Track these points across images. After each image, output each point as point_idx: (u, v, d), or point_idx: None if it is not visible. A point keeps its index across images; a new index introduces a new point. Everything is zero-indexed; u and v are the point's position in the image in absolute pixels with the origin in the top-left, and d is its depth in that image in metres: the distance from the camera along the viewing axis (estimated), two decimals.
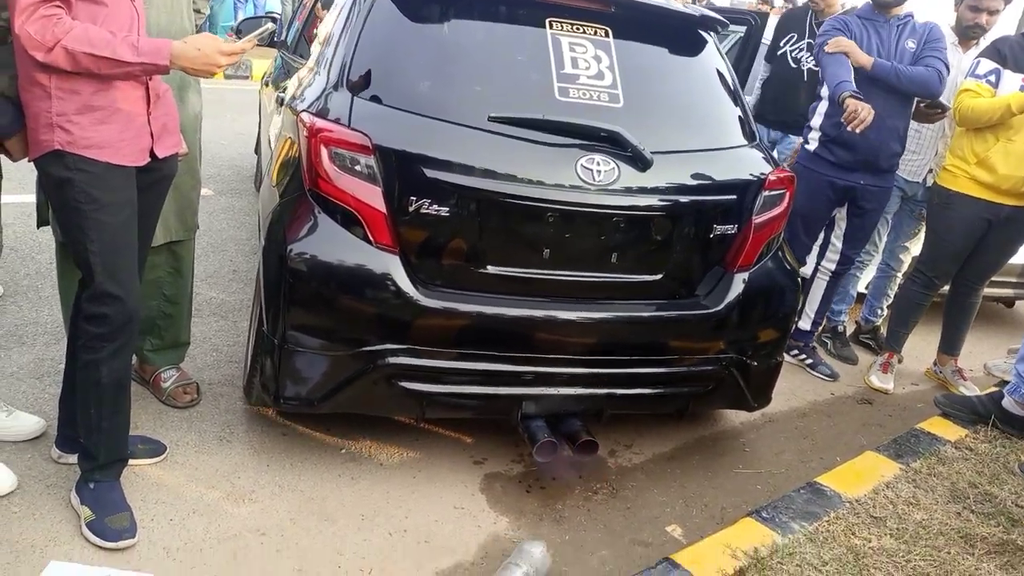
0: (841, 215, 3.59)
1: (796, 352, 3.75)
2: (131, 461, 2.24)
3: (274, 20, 3.96)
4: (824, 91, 3.43)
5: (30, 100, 1.90)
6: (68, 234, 2.03)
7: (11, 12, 1.80)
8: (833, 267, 3.67)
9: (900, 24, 3.36)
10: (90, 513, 2.06)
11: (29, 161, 2.01)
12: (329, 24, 2.93)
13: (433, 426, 2.73)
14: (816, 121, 3.47)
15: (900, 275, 3.96)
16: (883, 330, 4.10)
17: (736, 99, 2.73)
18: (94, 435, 2.08)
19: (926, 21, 3.43)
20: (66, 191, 1.93)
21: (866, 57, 3.28)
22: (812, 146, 3.48)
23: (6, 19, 1.93)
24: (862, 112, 3.05)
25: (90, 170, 1.92)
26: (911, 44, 3.35)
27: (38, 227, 2.48)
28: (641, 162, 2.36)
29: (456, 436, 2.73)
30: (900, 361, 3.80)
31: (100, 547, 2.02)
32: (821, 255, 3.71)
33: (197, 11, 2.65)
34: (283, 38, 4.56)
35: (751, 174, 2.57)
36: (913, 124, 3.58)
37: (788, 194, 2.64)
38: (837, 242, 3.64)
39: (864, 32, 3.36)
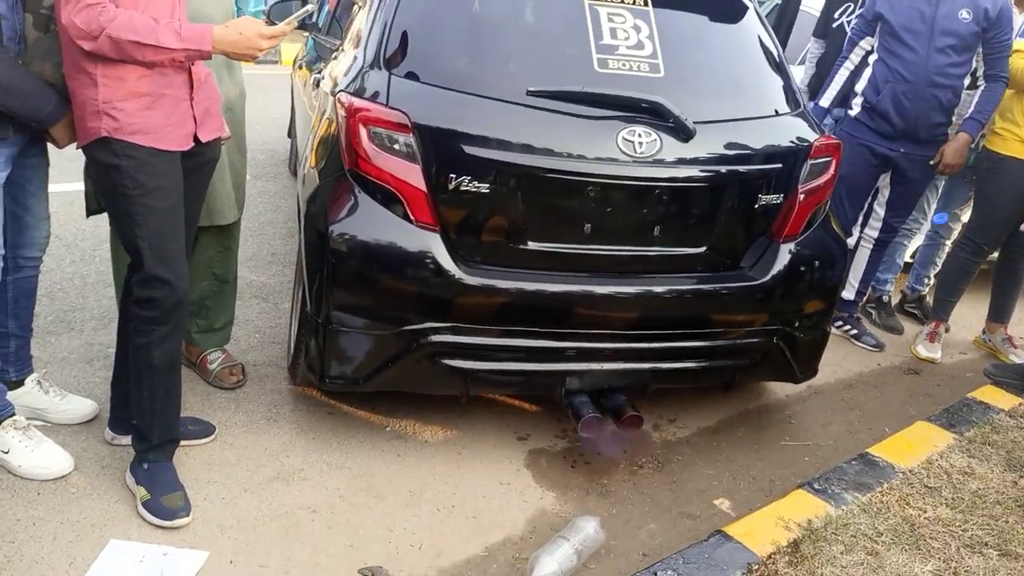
0: (885, 183, 3.50)
1: (840, 323, 3.69)
2: (183, 442, 2.27)
3: (307, 1, 3.96)
4: (872, 57, 3.35)
5: (77, 88, 1.92)
6: (116, 220, 2.05)
7: (57, 3, 1.82)
8: (876, 235, 3.59)
9: None
10: (145, 492, 2.10)
11: (77, 148, 2.04)
12: (363, 3, 2.91)
13: (476, 403, 2.73)
14: (860, 86, 3.39)
15: (949, 243, 3.87)
16: (929, 299, 4.02)
17: (779, 66, 2.67)
18: (147, 416, 2.11)
19: None
20: (113, 177, 1.95)
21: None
22: (855, 111, 3.41)
23: (49, 7, 1.96)
24: None
25: (136, 156, 1.93)
26: (966, 15, 3.18)
27: (87, 216, 2.51)
28: (683, 132, 2.31)
29: (499, 413, 2.73)
30: (947, 330, 3.72)
31: (156, 525, 2.06)
32: (864, 224, 3.63)
33: None
34: (314, 20, 4.55)
35: (796, 142, 2.51)
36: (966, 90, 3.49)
37: (834, 161, 2.58)
38: (880, 210, 3.56)
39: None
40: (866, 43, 3.40)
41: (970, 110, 3.34)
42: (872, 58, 3.37)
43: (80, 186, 2.32)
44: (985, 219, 3.45)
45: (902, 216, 3.59)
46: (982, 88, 3.34)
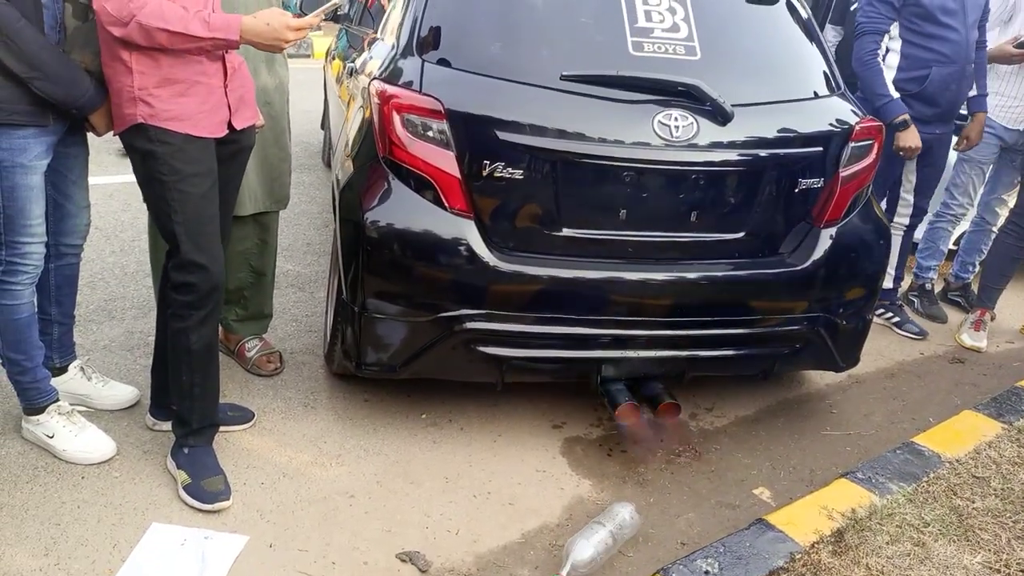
0: (910, 167, 3.40)
1: (882, 311, 3.61)
2: (222, 428, 2.30)
3: None
4: (896, 44, 3.24)
5: (112, 75, 1.95)
6: (153, 206, 2.08)
7: None
8: (907, 221, 3.50)
9: None
10: (186, 477, 2.13)
11: (114, 135, 2.06)
12: None
13: (511, 390, 2.72)
14: (888, 76, 3.25)
15: (995, 229, 3.76)
16: (974, 287, 3.91)
17: (818, 48, 2.60)
18: (187, 401, 2.14)
19: None
20: (149, 163, 1.98)
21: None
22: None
23: None
24: (913, 147, 3.16)
25: (171, 142, 1.95)
26: None
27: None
28: (721, 116, 2.27)
29: (534, 400, 2.72)
30: (993, 318, 3.62)
31: (197, 509, 2.09)
32: (891, 211, 3.51)
33: None
34: (346, 11, 4.56)
35: (837, 124, 2.45)
36: (1015, 69, 3.40)
37: (877, 144, 2.51)
38: (908, 196, 3.46)
39: None
40: (893, 29, 3.24)
41: (975, 87, 3.32)
42: (895, 44, 3.24)
43: (119, 178, 2.35)
44: None
45: (930, 196, 3.51)
46: (977, 59, 3.31)
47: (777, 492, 2.38)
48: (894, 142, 3.20)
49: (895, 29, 3.24)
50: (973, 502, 2.20)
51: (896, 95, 3.18)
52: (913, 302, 3.86)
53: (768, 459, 2.55)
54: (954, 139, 3.52)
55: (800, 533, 2.04)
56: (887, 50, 3.29)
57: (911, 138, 3.17)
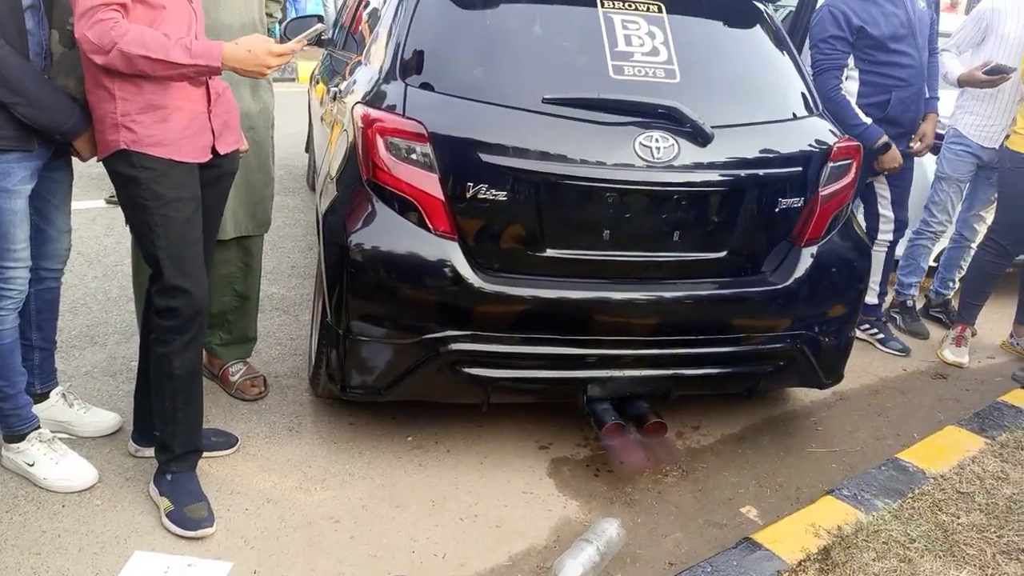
0: (882, 184, 3.46)
1: (866, 327, 3.64)
2: (205, 453, 2.28)
3: (321, 19, 3.99)
4: (853, 72, 3.32)
5: (96, 102, 1.95)
6: (136, 230, 2.07)
7: (74, 18, 1.84)
8: (891, 237, 3.55)
9: None
10: (169, 504, 2.11)
11: (98, 161, 2.06)
12: (378, 15, 2.94)
13: (497, 411, 2.72)
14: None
15: (974, 246, 3.81)
16: (955, 303, 3.95)
17: (796, 70, 2.65)
18: (169, 427, 2.12)
19: None
20: (132, 189, 1.98)
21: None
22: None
23: (72, 23, 1.99)
24: (897, 166, 3.27)
25: (154, 167, 1.96)
26: (923, 4, 3.33)
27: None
28: (701, 137, 2.30)
29: (520, 421, 2.71)
30: (974, 334, 3.65)
31: (180, 536, 2.06)
32: (873, 229, 3.53)
33: (269, 15, 2.68)
34: (330, 36, 4.59)
35: (815, 145, 2.49)
36: (989, 91, 3.48)
37: (855, 164, 2.55)
38: (888, 212, 3.51)
39: (875, 6, 3.22)
40: (847, 61, 3.31)
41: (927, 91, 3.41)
42: (852, 73, 3.31)
43: (101, 203, 2.34)
44: (1010, 219, 3.40)
45: (906, 208, 3.56)
46: (929, 66, 3.42)
47: (764, 510, 2.38)
48: (876, 164, 3.27)
49: (850, 60, 3.31)
50: (958, 517, 2.21)
51: (869, 120, 3.23)
52: (895, 319, 3.90)
53: (754, 477, 2.56)
54: (969, 162, 3.63)
55: (787, 551, 2.04)
56: (846, 77, 3.34)
57: (895, 159, 3.26)
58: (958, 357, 3.53)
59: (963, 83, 3.53)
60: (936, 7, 3.46)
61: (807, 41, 4.10)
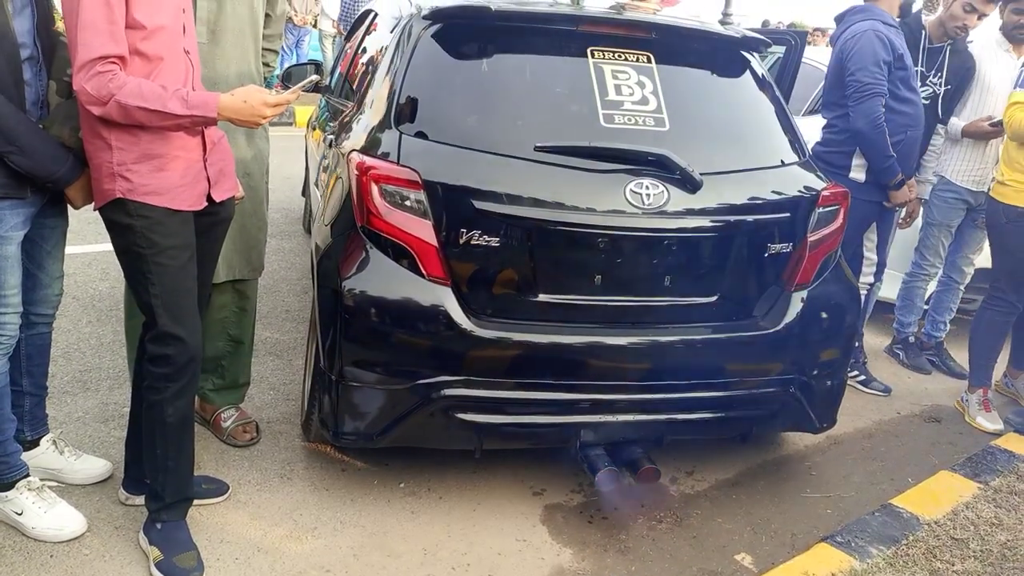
0: (871, 228, 3.50)
1: (847, 370, 3.64)
2: (196, 501, 2.26)
3: (318, 66, 4.06)
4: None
5: (93, 152, 1.97)
6: (130, 278, 2.08)
7: (72, 70, 1.88)
8: (872, 279, 3.57)
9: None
10: (159, 553, 2.08)
11: (94, 210, 2.08)
12: (373, 64, 2.99)
13: (490, 457, 2.70)
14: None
15: (962, 287, 3.85)
16: (947, 346, 3.98)
17: (784, 117, 2.70)
18: (160, 475, 2.11)
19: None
20: (127, 237, 1.99)
21: None
22: (860, 175, 3.33)
23: (70, 75, 2.03)
24: (910, 199, 3.35)
25: (150, 216, 1.97)
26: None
27: None
28: (690, 184, 2.34)
29: (513, 466, 2.70)
30: (992, 388, 3.55)
31: None
32: (855, 271, 3.53)
33: (266, 65, 2.73)
34: (327, 83, 4.67)
35: (803, 191, 2.53)
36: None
37: (843, 210, 2.59)
38: (872, 255, 3.54)
39: (900, 39, 3.29)
40: None
41: None
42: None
43: (97, 247, 2.36)
44: (1015, 275, 3.28)
45: (886, 250, 3.61)
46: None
47: (759, 557, 2.37)
48: (891, 199, 3.32)
49: None
50: (952, 565, 2.20)
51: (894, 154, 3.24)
52: (898, 355, 3.93)
53: (749, 523, 2.54)
54: (958, 206, 3.68)
55: None
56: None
57: (906, 194, 3.31)
58: (994, 424, 3.33)
59: (967, 134, 3.58)
60: None
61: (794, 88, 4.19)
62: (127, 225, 1.97)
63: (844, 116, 3.32)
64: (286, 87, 3.49)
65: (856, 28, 3.29)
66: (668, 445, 2.58)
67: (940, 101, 3.56)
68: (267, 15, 2.61)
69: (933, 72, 3.55)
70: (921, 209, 3.78)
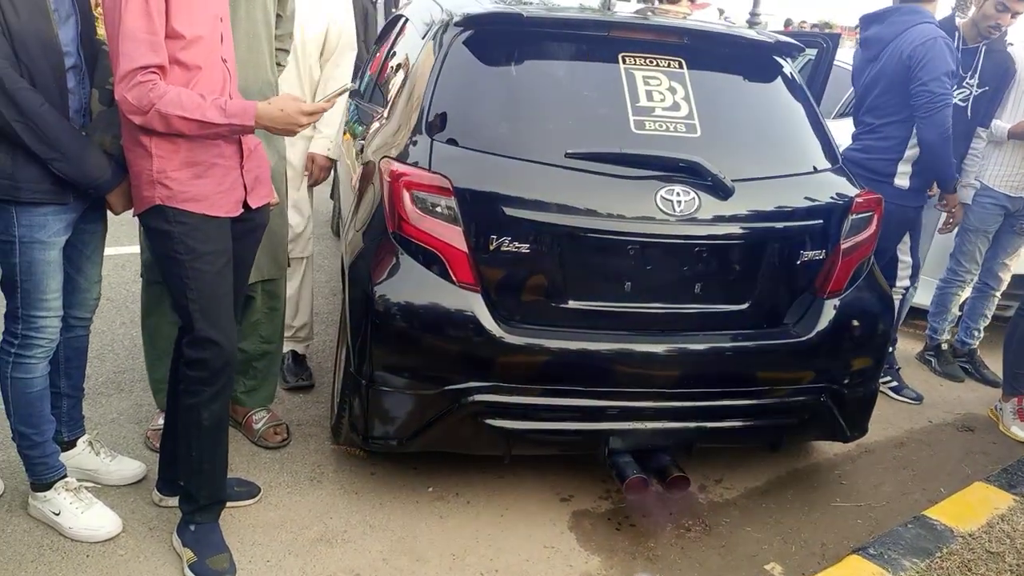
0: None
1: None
2: (228, 503, 2.29)
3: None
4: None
5: (133, 159, 2.01)
6: (169, 283, 2.11)
7: (114, 80, 1.91)
8: (907, 283, 3.53)
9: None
10: (192, 555, 2.11)
11: (134, 216, 2.12)
12: (404, 70, 3.01)
13: (518, 462, 2.71)
14: (908, 153, 3.28)
15: (998, 294, 3.78)
16: (980, 354, 3.92)
17: (816, 122, 2.68)
18: (195, 477, 2.14)
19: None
20: (166, 243, 2.02)
21: None
22: (905, 182, 3.28)
23: (112, 83, 2.06)
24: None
25: (188, 222, 2.00)
26: None
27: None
28: (722, 191, 2.33)
29: (541, 472, 2.70)
30: None
31: None
32: (890, 276, 3.48)
33: (279, 64, 2.76)
34: (356, 86, 4.69)
35: (836, 197, 2.51)
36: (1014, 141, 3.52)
37: (876, 216, 2.56)
38: (907, 257, 3.50)
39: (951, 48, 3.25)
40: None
41: None
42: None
43: (131, 249, 2.40)
44: None
45: (919, 251, 3.57)
46: None
47: (788, 568, 2.35)
48: (946, 202, 3.41)
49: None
50: None
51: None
52: (930, 362, 3.89)
53: (778, 533, 2.52)
54: (995, 211, 3.65)
55: None
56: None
57: (960, 196, 3.38)
58: None
59: (1013, 135, 3.53)
60: None
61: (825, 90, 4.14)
62: (166, 231, 2.01)
63: (898, 124, 3.24)
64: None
65: (921, 33, 3.15)
66: (697, 453, 2.56)
67: (971, 103, 3.51)
68: (278, 15, 2.64)
69: (969, 74, 3.50)
70: None
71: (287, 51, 2.80)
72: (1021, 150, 3.55)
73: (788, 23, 12.61)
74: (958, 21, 3.56)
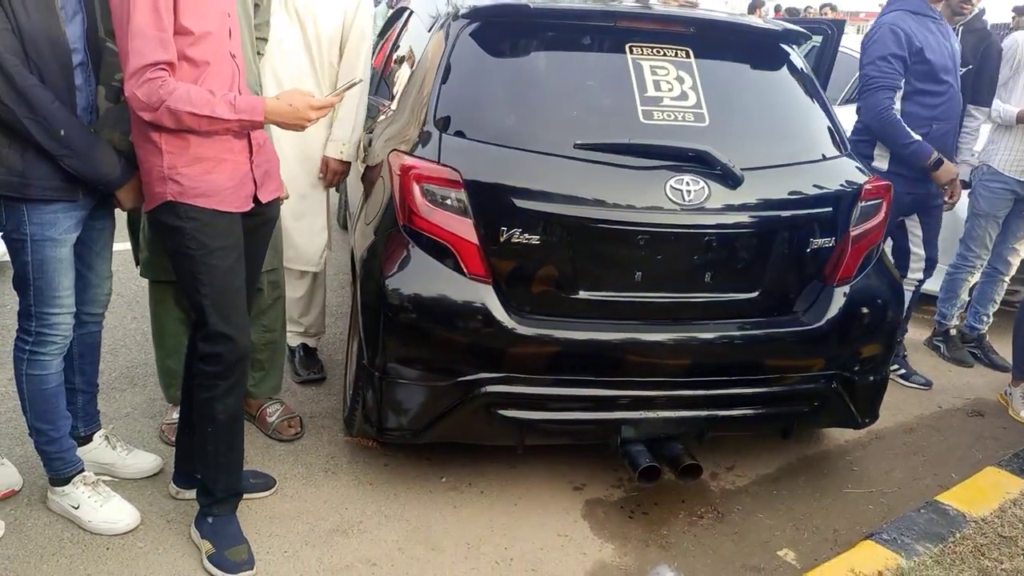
0: (913, 222, 3.45)
1: None
2: (244, 495, 2.31)
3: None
4: (896, 103, 3.30)
5: (143, 156, 2.02)
6: (181, 279, 2.13)
7: (124, 76, 1.92)
8: (920, 276, 3.51)
9: (940, 19, 3.32)
10: (210, 547, 2.14)
11: (144, 212, 2.13)
12: (411, 63, 3.01)
13: (530, 452, 2.72)
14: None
15: (1007, 279, 3.78)
16: (989, 339, 3.92)
17: (824, 110, 2.67)
18: (212, 470, 2.16)
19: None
20: (178, 239, 2.03)
21: None
22: (883, 164, 3.32)
23: (120, 80, 2.07)
24: (954, 179, 3.23)
25: (199, 218, 2.01)
26: (957, 44, 3.36)
27: (136, 266, 2.66)
28: (731, 179, 2.33)
29: (554, 461, 2.72)
30: None
31: None
32: (903, 267, 3.48)
33: (258, 53, 2.75)
34: (362, 80, 4.68)
35: (845, 185, 2.50)
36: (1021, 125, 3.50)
37: (885, 203, 2.56)
38: (919, 250, 3.48)
39: (930, 33, 3.24)
40: (901, 83, 3.26)
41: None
42: (896, 104, 3.28)
43: None
44: None
45: (935, 246, 3.54)
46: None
47: (801, 553, 2.36)
48: (934, 180, 3.26)
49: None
50: (1001, 563, 2.18)
51: (919, 137, 3.20)
52: (939, 347, 3.89)
53: (791, 519, 2.54)
54: (1006, 196, 3.61)
55: None
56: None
57: (950, 171, 3.23)
58: None
59: (1022, 119, 3.51)
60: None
61: (831, 77, 4.13)
62: (177, 227, 2.02)
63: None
64: None
65: (879, 21, 3.31)
66: (708, 441, 2.57)
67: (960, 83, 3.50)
68: (256, 4, 2.63)
69: None
70: (965, 197, 3.70)
71: (265, 39, 2.78)
72: None
73: (778, 8, 12.43)
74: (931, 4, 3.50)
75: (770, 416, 2.54)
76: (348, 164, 3.07)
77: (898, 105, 3.27)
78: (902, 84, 3.24)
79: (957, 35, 3.50)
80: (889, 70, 3.21)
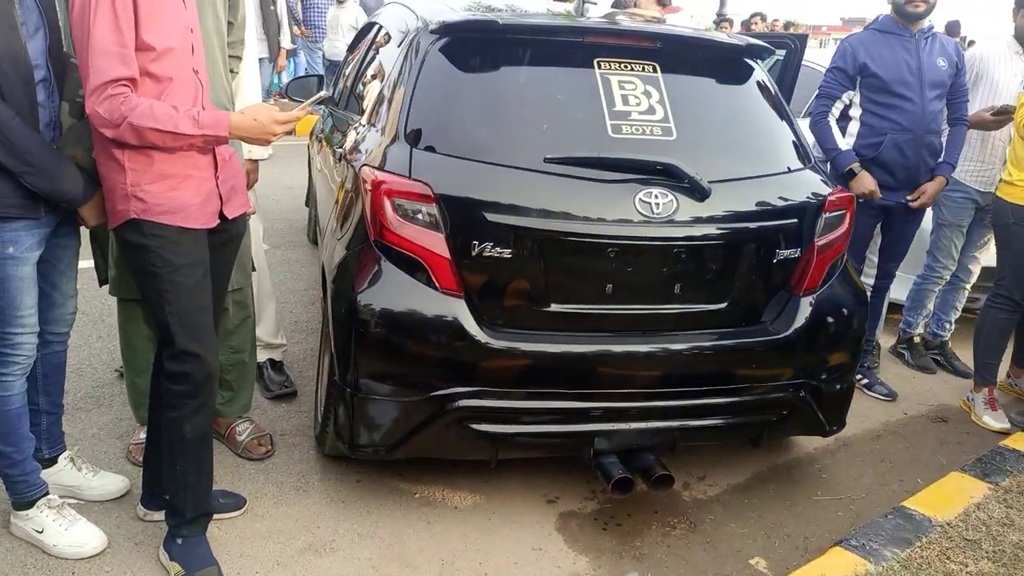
0: (876, 230, 3.53)
1: None
2: (214, 515, 2.27)
3: (322, 80, 4.04)
4: (853, 111, 3.44)
5: (106, 173, 1.99)
6: (147, 297, 2.10)
7: (85, 93, 1.90)
8: (872, 282, 3.59)
9: (926, 38, 3.37)
10: (180, 569, 2.10)
11: (109, 230, 2.10)
12: (381, 78, 3.01)
13: (504, 465, 2.72)
14: (848, 142, 3.42)
15: (968, 287, 3.87)
16: (951, 346, 4.01)
17: (788, 123, 2.72)
18: (181, 491, 2.12)
19: (944, 36, 3.51)
20: (142, 256, 2.01)
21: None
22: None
23: (83, 96, 2.04)
24: (869, 189, 3.30)
25: (164, 235, 1.99)
26: (943, 63, 3.37)
27: (100, 286, 2.62)
28: (699, 192, 2.36)
29: (527, 474, 2.72)
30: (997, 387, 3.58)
31: None
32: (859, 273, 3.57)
33: (232, 72, 2.74)
34: (330, 93, 4.68)
35: (810, 196, 2.55)
36: (981, 134, 3.56)
37: (848, 214, 2.61)
38: (873, 256, 3.60)
39: (888, 49, 3.33)
40: (846, 97, 3.44)
41: (943, 155, 3.45)
42: (855, 112, 3.44)
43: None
44: (1020, 274, 3.28)
45: (898, 261, 3.63)
46: (950, 131, 3.48)
47: (773, 561, 2.39)
48: (849, 190, 3.28)
49: (857, 98, 3.42)
50: (966, 566, 2.22)
51: (844, 147, 3.38)
52: (903, 355, 3.96)
53: (762, 527, 2.56)
54: (968, 207, 3.69)
55: None
56: (850, 118, 3.47)
57: (864, 183, 3.32)
58: (1000, 422, 3.36)
59: (972, 126, 3.59)
60: (960, 72, 3.45)
61: (794, 91, 4.22)
62: (141, 245, 1.99)
63: None
64: (293, 100, 3.49)
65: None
66: (680, 451, 2.60)
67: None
68: (229, 23, 2.62)
69: None
70: (930, 212, 3.77)
71: (239, 58, 2.77)
72: (989, 146, 3.62)
73: (745, 24, 12.59)
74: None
75: (740, 425, 2.57)
76: (257, 163, 2.89)
77: (849, 118, 3.43)
78: (841, 94, 3.43)
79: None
80: (831, 80, 3.46)
